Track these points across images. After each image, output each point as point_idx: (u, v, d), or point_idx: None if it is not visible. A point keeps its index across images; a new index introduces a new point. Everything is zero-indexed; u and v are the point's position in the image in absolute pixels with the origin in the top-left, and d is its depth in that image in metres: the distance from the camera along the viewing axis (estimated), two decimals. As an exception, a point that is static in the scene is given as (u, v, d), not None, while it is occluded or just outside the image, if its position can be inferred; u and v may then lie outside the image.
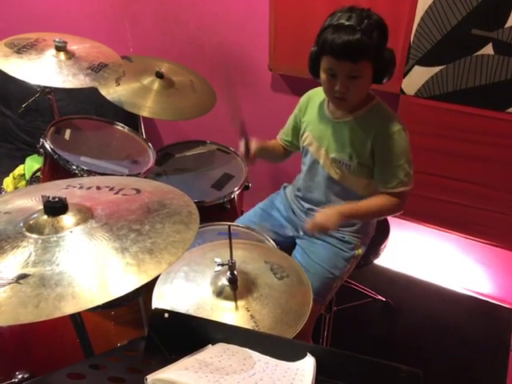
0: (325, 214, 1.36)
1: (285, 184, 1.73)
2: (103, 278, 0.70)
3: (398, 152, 1.36)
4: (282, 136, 1.64)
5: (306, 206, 1.56)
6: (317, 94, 1.50)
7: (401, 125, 1.36)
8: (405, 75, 1.72)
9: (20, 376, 1.29)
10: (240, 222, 1.63)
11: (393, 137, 1.35)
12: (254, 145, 1.48)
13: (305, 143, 1.52)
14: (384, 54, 1.26)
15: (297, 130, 1.57)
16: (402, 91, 1.76)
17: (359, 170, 1.41)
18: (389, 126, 1.35)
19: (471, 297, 2.22)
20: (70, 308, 0.65)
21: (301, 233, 1.59)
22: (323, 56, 1.27)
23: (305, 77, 1.92)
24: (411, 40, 1.66)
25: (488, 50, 1.58)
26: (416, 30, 1.64)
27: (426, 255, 2.26)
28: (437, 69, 1.68)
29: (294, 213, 1.62)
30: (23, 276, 0.69)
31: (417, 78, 1.72)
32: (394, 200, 1.41)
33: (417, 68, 1.70)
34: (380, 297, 2.16)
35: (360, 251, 1.56)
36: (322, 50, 1.26)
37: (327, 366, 0.73)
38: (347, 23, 1.19)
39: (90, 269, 0.72)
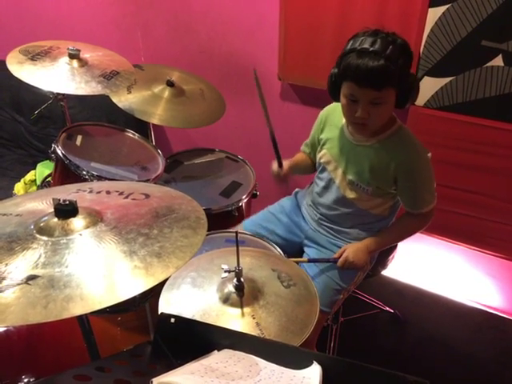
0: (355, 253, 1.42)
1: (297, 189, 1.72)
2: (111, 280, 0.71)
3: (425, 178, 1.37)
4: (306, 149, 1.62)
5: (318, 216, 1.56)
6: (335, 111, 1.45)
7: (423, 150, 1.34)
8: (414, 86, 1.73)
9: (26, 380, 1.29)
10: (248, 223, 1.64)
11: (419, 165, 1.34)
12: (286, 164, 1.48)
13: (322, 160, 1.49)
14: (408, 80, 1.22)
15: (315, 146, 1.56)
16: (412, 102, 1.76)
17: (376, 192, 1.40)
18: (413, 154, 1.34)
19: (479, 310, 2.19)
20: (77, 309, 0.66)
21: (307, 241, 1.59)
22: (345, 81, 1.23)
23: (314, 87, 1.95)
24: (421, 51, 1.66)
25: (498, 61, 1.58)
26: (426, 41, 1.64)
27: (434, 267, 2.24)
28: (446, 80, 1.68)
29: (304, 219, 1.61)
30: (32, 277, 0.69)
31: (426, 89, 1.72)
32: (420, 219, 1.43)
33: (426, 79, 1.70)
34: (387, 308, 2.14)
35: (369, 264, 1.55)
36: (343, 75, 1.22)
37: (333, 374, 0.72)
38: (371, 49, 1.14)
39: (99, 271, 0.72)
